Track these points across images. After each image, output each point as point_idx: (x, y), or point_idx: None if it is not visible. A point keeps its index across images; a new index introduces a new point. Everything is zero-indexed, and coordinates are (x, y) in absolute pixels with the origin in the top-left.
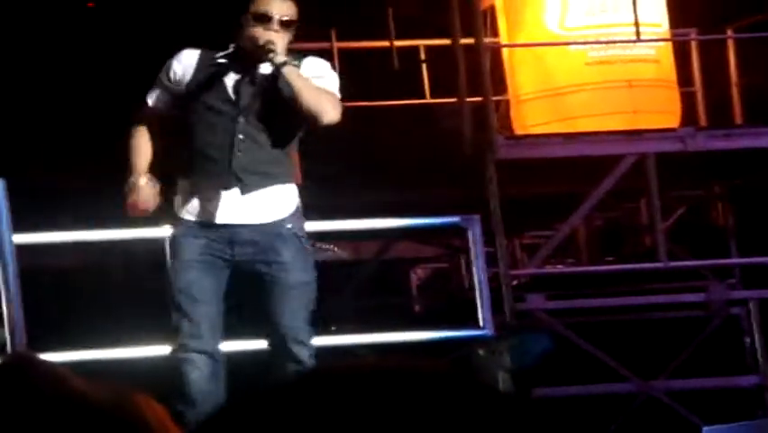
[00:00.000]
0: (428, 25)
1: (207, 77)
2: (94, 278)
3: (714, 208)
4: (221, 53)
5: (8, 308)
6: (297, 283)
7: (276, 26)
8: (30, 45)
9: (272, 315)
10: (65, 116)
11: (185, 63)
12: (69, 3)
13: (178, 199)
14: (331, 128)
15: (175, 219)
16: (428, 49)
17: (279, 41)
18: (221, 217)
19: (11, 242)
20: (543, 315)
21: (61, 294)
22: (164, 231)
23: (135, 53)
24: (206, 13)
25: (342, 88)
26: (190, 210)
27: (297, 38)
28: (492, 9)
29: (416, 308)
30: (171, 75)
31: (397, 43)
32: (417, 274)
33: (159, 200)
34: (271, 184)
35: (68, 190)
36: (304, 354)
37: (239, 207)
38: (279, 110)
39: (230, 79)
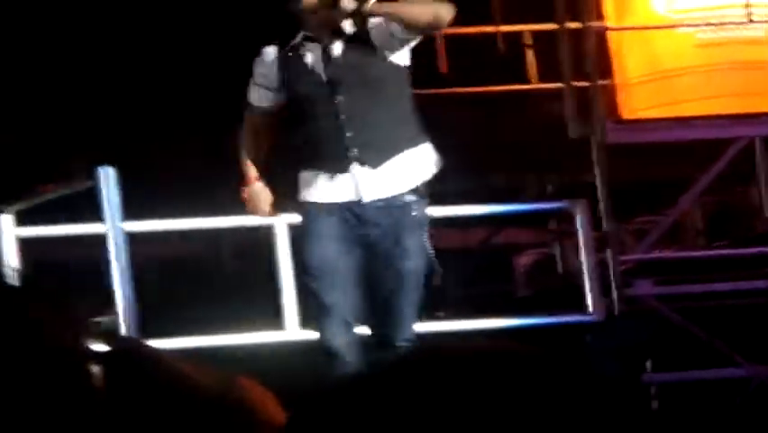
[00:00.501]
0: (533, 10)
1: (292, 67)
2: (204, 265)
3: None
4: (295, 41)
5: (120, 295)
6: (412, 272)
7: None
8: (142, 28)
9: (383, 304)
10: (174, 105)
11: (266, 61)
12: None
13: (300, 189)
14: (436, 114)
15: (299, 206)
16: (533, 33)
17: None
18: (347, 196)
19: (122, 230)
20: (651, 300)
21: (172, 281)
22: (274, 219)
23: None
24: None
25: (447, 77)
26: (315, 194)
27: None
28: None
29: (521, 293)
30: (260, 76)
31: (502, 28)
32: (522, 260)
33: (272, 200)
34: (396, 152)
35: (179, 177)
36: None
37: (364, 185)
38: (375, 72)
39: (313, 62)
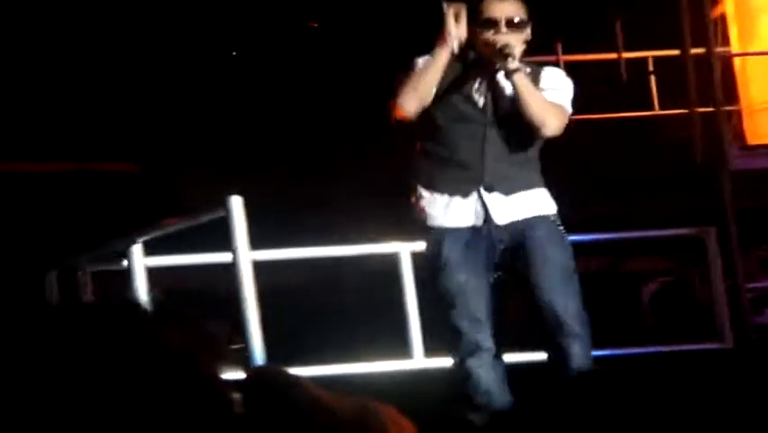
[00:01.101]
0: (656, 36)
1: (452, 83)
2: (329, 293)
3: None
4: (464, 59)
5: (249, 324)
6: (557, 258)
7: (504, 29)
8: (268, 66)
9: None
10: (304, 134)
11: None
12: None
13: (424, 209)
14: (561, 141)
15: (424, 229)
16: (656, 59)
17: (514, 43)
18: (475, 221)
19: (249, 259)
20: None
21: (298, 309)
22: (396, 246)
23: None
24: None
25: (572, 101)
26: (442, 217)
27: (524, 52)
28: (723, 17)
29: (649, 321)
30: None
31: (625, 55)
32: (649, 288)
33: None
34: (521, 189)
35: (305, 206)
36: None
37: (491, 210)
38: (520, 115)
39: (474, 86)
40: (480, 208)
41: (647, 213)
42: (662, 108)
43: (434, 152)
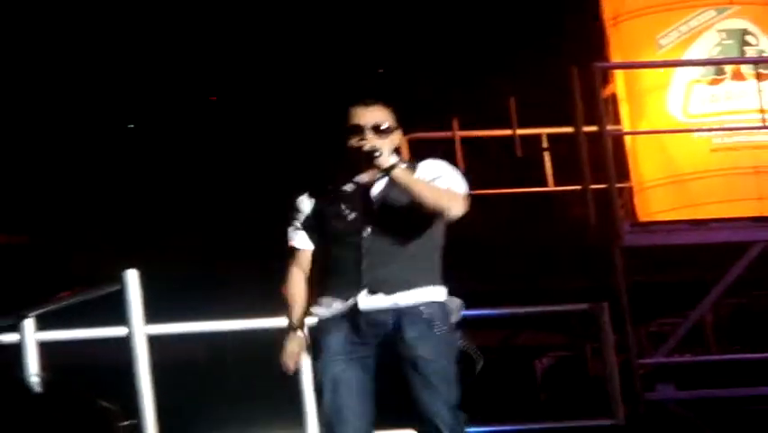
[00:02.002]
0: (550, 113)
1: (328, 199)
2: (225, 367)
3: None
4: (334, 180)
5: (143, 398)
6: (428, 363)
7: (370, 134)
8: (170, 137)
9: (415, 399)
10: (193, 211)
11: (304, 201)
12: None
13: (315, 306)
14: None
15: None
16: (550, 136)
17: (381, 146)
18: (352, 320)
19: (144, 333)
20: (673, 405)
21: (194, 384)
22: (282, 321)
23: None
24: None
25: (466, 177)
26: (325, 311)
27: (420, 128)
28: (614, 97)
29: (543, 396)
30: (298, 214)
31: (519, 131)
32: (543, 363)
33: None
34: (401, 290)
35: (197, 279)
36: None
37: (368, 312)
38: (405, 216)
39: (345, 202)
40: (357, 310)
41: (541, 288)
42: (556, 184)
43: (323, 267)
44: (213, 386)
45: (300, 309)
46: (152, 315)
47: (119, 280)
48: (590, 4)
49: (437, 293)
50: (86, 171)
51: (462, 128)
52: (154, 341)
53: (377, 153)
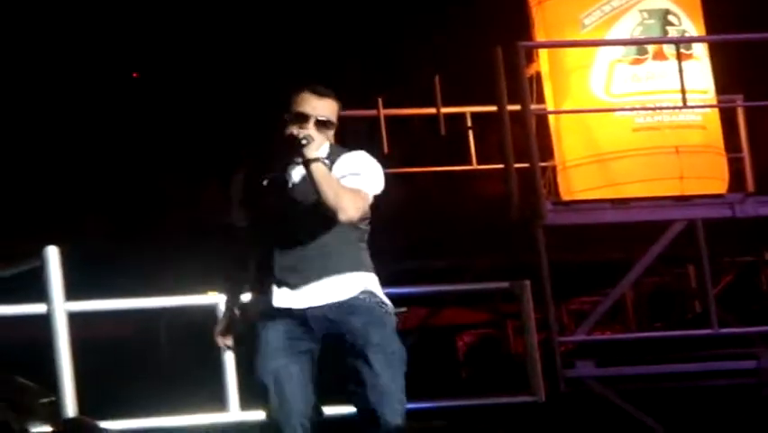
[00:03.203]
0: (475, 92)
1: (256, 183)
2: (147, 345)
3: (764, 274)
4: (263, 159)
5: (62, 377)
6: (378, 348)
7: (312, 126)
8: (87, 115)
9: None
10: (119, 185)
11: (236, 179)
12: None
13: (252, 296)
14: (377, 195)
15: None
16: (474, 115)
17: (317, 139)
18: (291, 303)
19: (64, 310)
20: (593, 382)
21: (115, 362)
22: (215, 297)
23: (189, 130)
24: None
25: (389, 157)
26: (262, 299)
27: (345, 106)
28: (538, 76)
29: (464, 374)
30: (235, 193)
31: (444, 110)
32: (464, 340)
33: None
34: (327, 276)
35: (121, 257)
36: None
37: (295, 299)
38: (315, 207)
39: (273, 180)
40: (287, 297)
41: (464, 266)
42: (479, 163)
43: (257, 252)
44: (142, 364)
45: (236, 287)
46: (76, 291)
47: (39, 256)
48: None
49: (369, 280)
50: (4, 147)
51: (387, 106)
52: (82, 318)
53: (304, 142)
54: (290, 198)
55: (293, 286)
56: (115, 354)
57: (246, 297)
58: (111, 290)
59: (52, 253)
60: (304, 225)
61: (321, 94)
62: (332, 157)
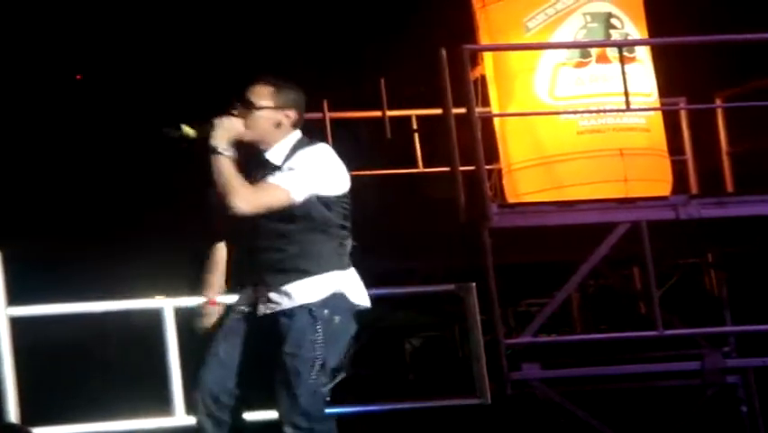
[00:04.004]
0: (420, 95)
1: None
2: (92, 349)
3: (707, 276)
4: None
5: (1, 382)
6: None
7: (240, 107)
8: (33, 115)
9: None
10: (65, 189)
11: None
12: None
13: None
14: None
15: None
16: (420, 118)
17: (224, 123)
18: (248, 306)
19: (5, 315)
20: (538, 384)
21: (59, 367)
22: (159, 302)
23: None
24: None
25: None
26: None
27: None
28: (483, 79)
29: (411, 376)
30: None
31: (390, 113)
32: (411, 343)
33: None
34: (286, 281)
35: (66, 262)
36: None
37: (261, 300)
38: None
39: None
40: (252, 297)
41: (410, 269)
42: (425, 166)
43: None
44: (94, 368)
45: (216, 278)
46: (20, 296)
47: None
48: None
49: (317, 284)
50: None
51: (333, 109)
52: (27, 323)
53: (211, 128)
54: None
55: (247, 286)
56: (62, 358)
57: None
58: (56, 294)
59: None
60: (255, 226)
61: (258, 80)
62: (294, 149)
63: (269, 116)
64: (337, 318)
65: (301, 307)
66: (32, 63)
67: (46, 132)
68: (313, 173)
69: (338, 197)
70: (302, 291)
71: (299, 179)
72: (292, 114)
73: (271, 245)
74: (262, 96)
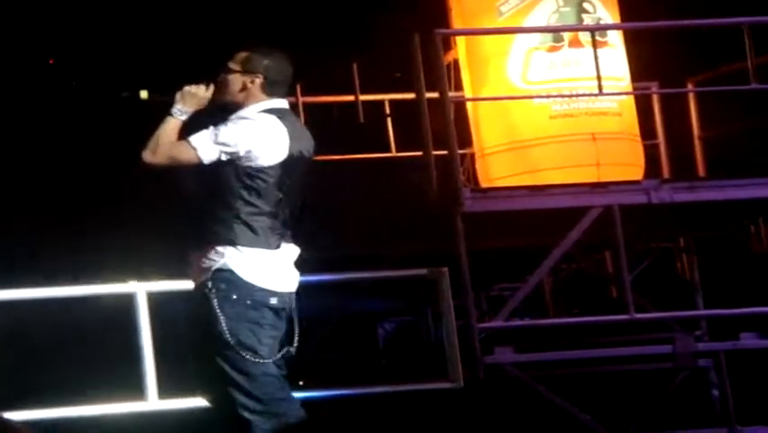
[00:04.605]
0: (394, 80)
1: None
2: (63, 333)
3: (679, 260)
4: None
5: None
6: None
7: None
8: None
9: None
10: (25, 170)
11: None
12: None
13: None
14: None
15: None
16: (393, 103)
17: (192, 89)
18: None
19: None
20: (511, 368)
21: (23, 351)
22: (132, 286)
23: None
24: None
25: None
26: None
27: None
28: (456, 63)
29: (384, 361)
30: None
31: (363, 97)
32: (384, 328)
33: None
34: (200, 247)
35: (28, 245)
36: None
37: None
38: (203, 170)
39: None
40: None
41: (383, 254)
42: (398, 150)
43: None
44: (56, 353)
45: None
46: None
47: None
48: None
49: (221, 255)
50: None
51: (306, 93)
52: (3, 307)
53: (178, 95)
54: None
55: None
56: (35, 343)
57: None
58: (28, 279)
59: None
60: (194, 188)
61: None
62: (246, 115)
63: (235, 80)
64: (234, 295)
65: (201, 282)
66: (4, 48)
67: (21, 119)
68: (231, 138)
69: (256, 169)
70: (200, 262)
71: (212, 139)
72: (258, 79)
73: (194, 208)
74: (236, 60)
